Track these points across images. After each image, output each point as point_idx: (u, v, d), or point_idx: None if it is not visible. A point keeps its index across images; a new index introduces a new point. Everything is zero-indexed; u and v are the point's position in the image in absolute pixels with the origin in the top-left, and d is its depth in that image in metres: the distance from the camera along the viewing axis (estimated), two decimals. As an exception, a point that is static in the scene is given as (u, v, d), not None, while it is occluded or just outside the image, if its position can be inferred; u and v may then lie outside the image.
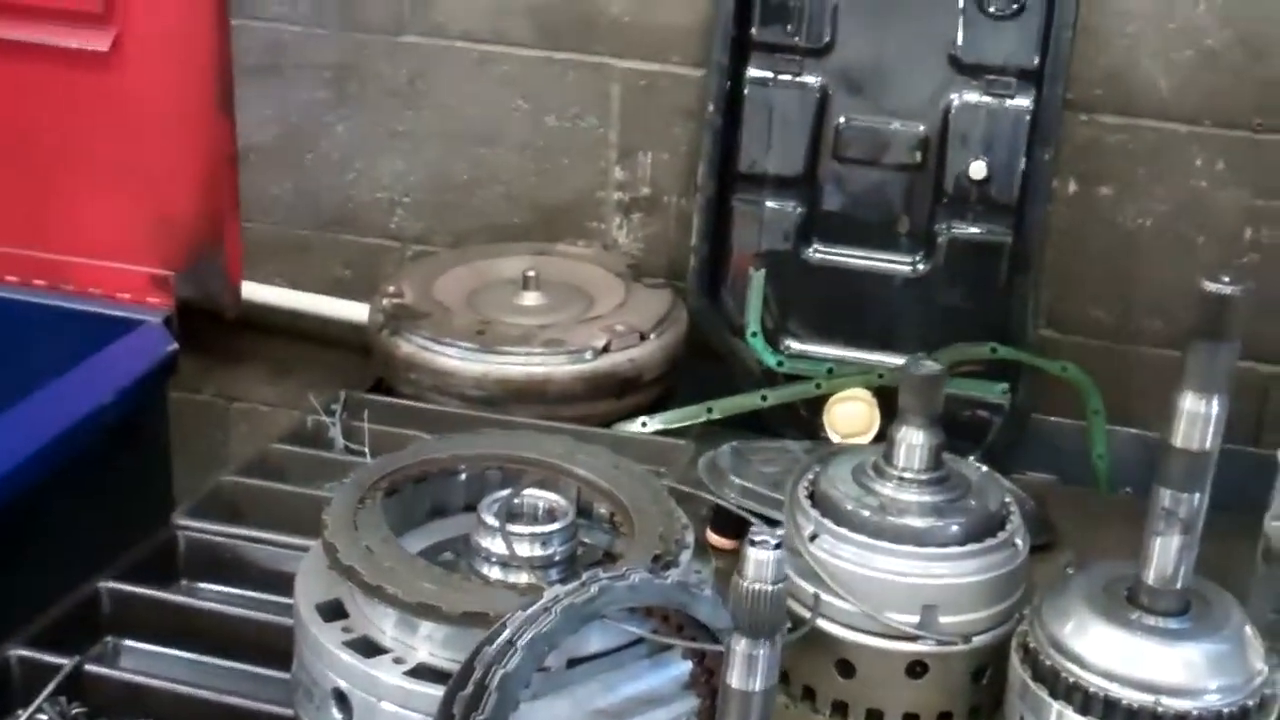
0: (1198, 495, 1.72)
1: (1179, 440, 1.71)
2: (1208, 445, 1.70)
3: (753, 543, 1.29)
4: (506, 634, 1.47)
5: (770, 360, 2.71)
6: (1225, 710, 1.70)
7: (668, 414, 2.62)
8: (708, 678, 1.60)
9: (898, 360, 2.59)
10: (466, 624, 1.54)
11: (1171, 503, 1.73)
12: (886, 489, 1.97)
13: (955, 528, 1.92)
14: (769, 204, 2.77)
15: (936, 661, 1.90)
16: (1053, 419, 2.78)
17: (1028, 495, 2.45)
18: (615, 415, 2.58)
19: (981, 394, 2.69)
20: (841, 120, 2.73)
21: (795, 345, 2.79)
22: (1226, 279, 1.67)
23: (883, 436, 2.44)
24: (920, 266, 2.74)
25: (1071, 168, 2.74)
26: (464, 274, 2.80)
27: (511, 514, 1.72)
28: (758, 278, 2.73)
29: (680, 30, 2.82)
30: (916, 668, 1.90)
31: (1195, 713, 1.69)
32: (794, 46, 2.72)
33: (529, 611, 1.49)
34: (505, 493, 1.74)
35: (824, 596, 1.90)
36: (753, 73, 2.74)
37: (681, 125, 2.86)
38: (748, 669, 1.28)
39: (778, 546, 1.28)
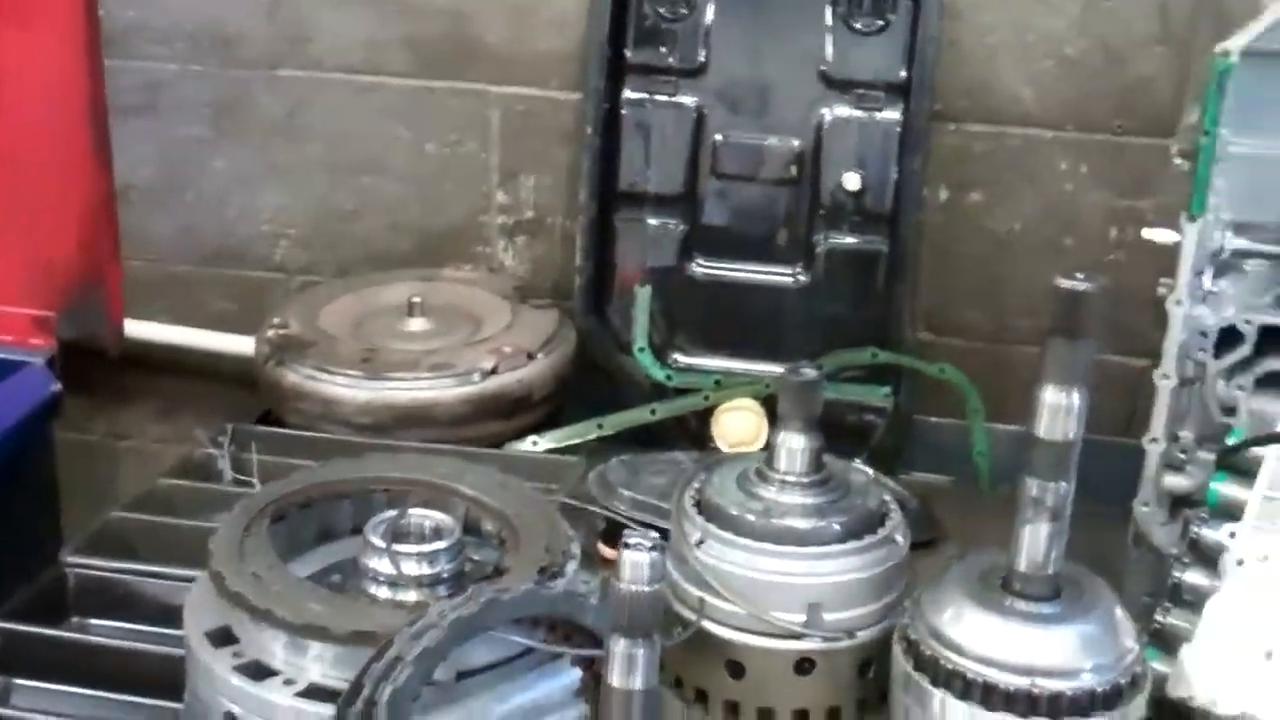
0: (1064, 483, 1.78)
1: (1043, 432, 1.77)
2: (1070, 435, 1.76)
3: (628, 545, 1.32)
4: (394, 650, 1.50)
5: (658, 375, 2.76)
6: (1099, 689, 1.76)
7: (558, 432, 2.65)
8: (597, 684, 1.63)
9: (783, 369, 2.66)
10: (355, 643, 1.56)
11: (1039, 491, 1.79)
12: (770, 493, 2.01)
13: (836, 527, 1.96)
14: (651, 222, 2.82)
15: (823, 658, 1.94)
16: (934, 420, 2.85)
17: (910, 494, 2.52)
18: (506, 436, 2.60)
19: (865, 398, 2.75)
20: (719, 138, 2.79)
21: (682, 359, 2.84)
22: (1080, 275, 1.74)
23: (771, 444, 2.51)
24: (801, 277, 2.80)
25: (942, 176, 2.82)
26: (350, 303, 2.81)
27: (398, 534, 1.74)
28: (643, 294, 2.78)
29: (556, 55, 2.86)
30: (804, 665, 1.94)
31: (1070, 693, 1.74)
32: (669, 68, 2.78)
33: (416, 627, 1.51)
34: (391, 513, 1.76)
35: (712, 600, 1.94)
36: (629, 94, 2.79)
37: (562, 148, 2.90)
38: (628, 668, 1.32)
39: (653, 549, 1.32)
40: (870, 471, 2.23)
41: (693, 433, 2.75)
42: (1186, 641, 1.94)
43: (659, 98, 2.79)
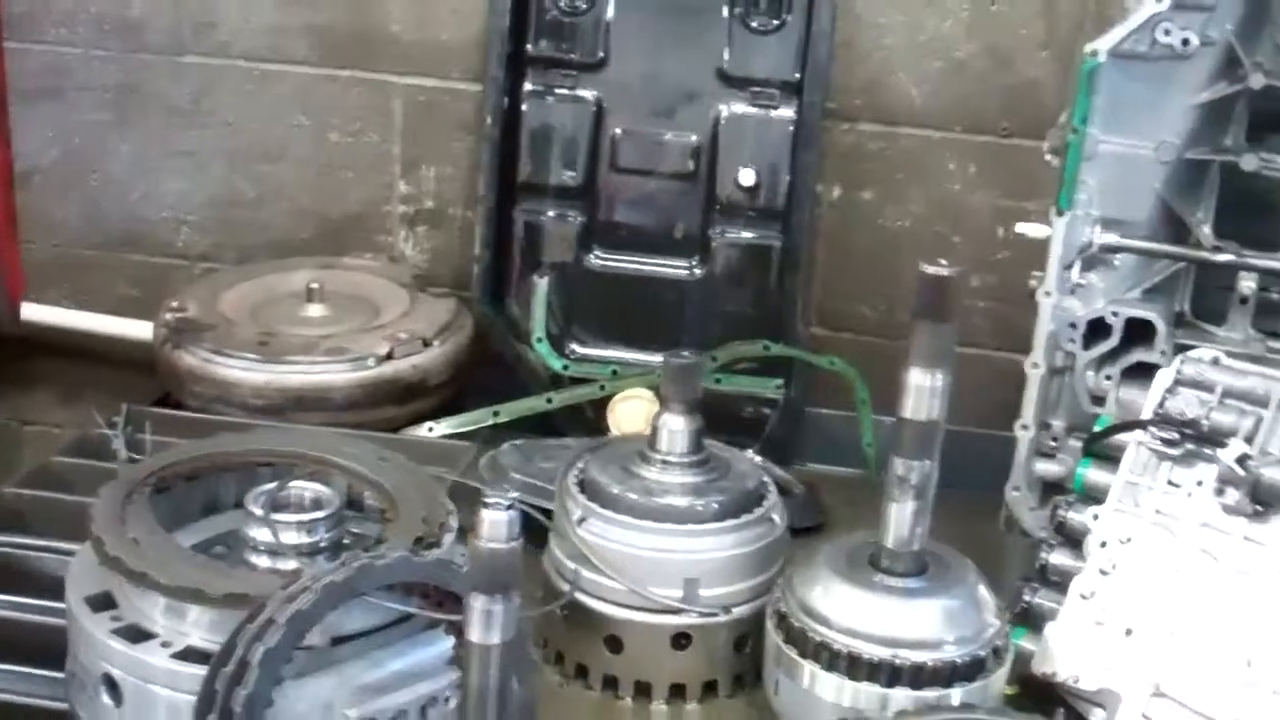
0: (928, 462, 1.86)
1: (908, 412, 1.84)
2: (935, 415, 1.84)
3: (486, 505, 1.37)
4: (267, 612, 1.53)
5: (556, 364, 2.80)
6: (959, 660, 1.82)
7: (454, 419, 2.68)
8: (470, 651, 1.67)
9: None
10: (230, 606, 1.59)
11: (904, 470, 1.86)
12: (651, 472, 2.07)
13: (715, 505, 2.03)
14: (550, 213, 2.86)
15: (700, 633, 2.00)
16: (827, 411, 2.90)
17: (797, 482, 2.58)
18: (401, 421, 2.63)
19: (758, 390, 2.81)
20: (617, 132, 2.83)
21: (580, 349, 2.88)
22: (943, 262, 1.80)
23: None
24: (697, 271, 2.85)
25: (837, 174, 2.87)
26: (249, 289, 2.83)
27: (279, 505, 1.77)
28: (542, 285, 2.82)
29: (458, 47, 2.89)
30: (681, 640, 2.00)
31: (931, 663, 1.81)
32: (569, 61, 2.82)
33: (289, 590, 1.55)
34: (272, 485, 1.79)
35: (592, 576, 2.00)
36: (530, 87, 2.83)
37: (463, 139, 2.93)
38: (486, 624, 1.36)
39: (509, 508, 1.36)
40: (756, 457, 2.30)
41: (589, 422, 2.78)
42: (1052, 620, 2.01)
43: (559, 91, 2.83)
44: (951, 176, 2.85)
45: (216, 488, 1.90)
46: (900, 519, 1.87)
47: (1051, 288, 2.16)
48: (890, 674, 1.81)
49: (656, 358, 2.79)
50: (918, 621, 1.84)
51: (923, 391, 1.82)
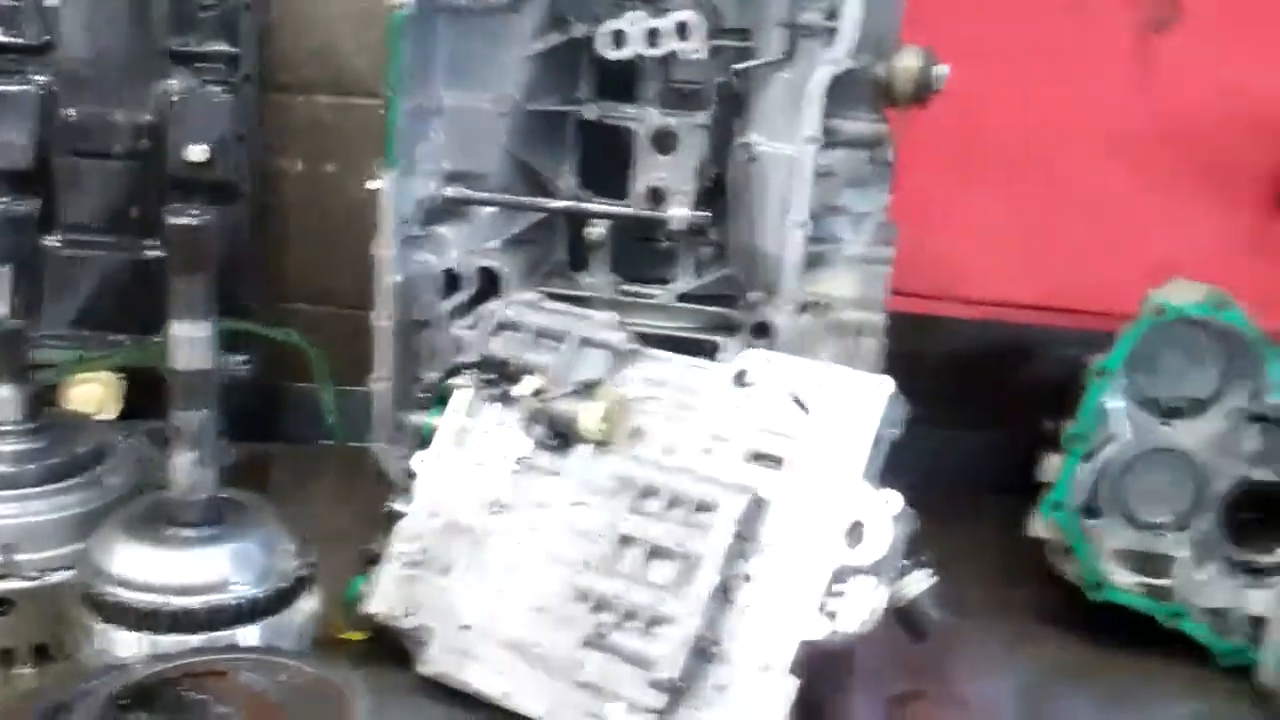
0: (205, 411, 1.88)
1: (179, 364, 1.87)
2: (204, 365, 1.87)
3: None
4: None
5: (20, 353, 2.77)
6: (236, 601, 1.85)
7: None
8: None
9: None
10: None
11: (181, 422, 1.89)
12: (-17, 445, 2.07)
13: (35, 471, 2.03)
14: (6, 201, 2.82)
15: (22, 597, 2.00)
16: (306, 385, 2.91)
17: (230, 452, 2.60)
18: None
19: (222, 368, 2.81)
20: (70, 114, 2.81)
21: (47, 335, 2.85)
22: (193, 211, 1.84)
23: (126, 414, 2.57)
24: (156, 251, 2.84)
25: (298, 147, 2.90)
26: None
27: None
28: (3, 273, 2.78)
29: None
30: (1, 605, 2.00)
31: (200, 606, 1.83)
32: (13, 46, 2.79)
33: None
34: None
35: (-100, 552, 1.99)
36: (-29, 74, 2.80)
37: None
38: None
39: None
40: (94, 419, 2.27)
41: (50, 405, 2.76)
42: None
43: (9, 76, 2.79)
44: (407, 144, 2.88)
45: None
46: (182, 470, 1.89)
47: (386, 242, 2.21)
48: (169, 621, 1.83)
49: (123, 339, 2.82)
50: (198, 567, 1.87)
51: (187, 343, 1.85)
